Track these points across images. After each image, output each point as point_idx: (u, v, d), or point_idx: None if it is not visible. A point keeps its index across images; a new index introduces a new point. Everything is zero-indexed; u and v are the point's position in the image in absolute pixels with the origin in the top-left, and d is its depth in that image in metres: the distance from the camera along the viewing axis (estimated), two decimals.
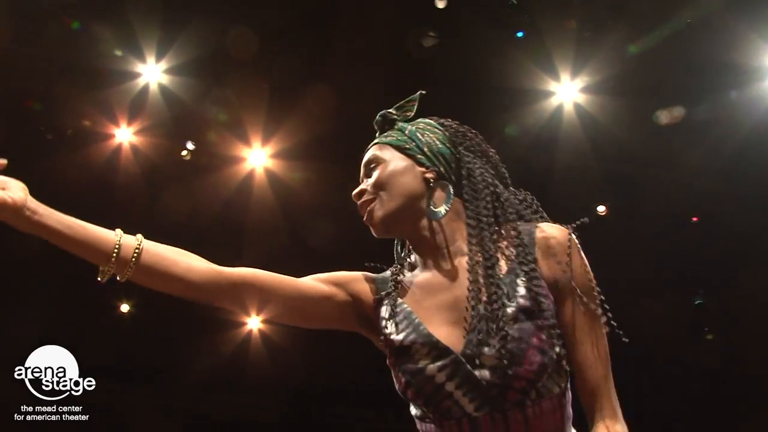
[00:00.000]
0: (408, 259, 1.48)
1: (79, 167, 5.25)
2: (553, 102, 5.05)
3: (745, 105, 4.98)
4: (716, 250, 5.66)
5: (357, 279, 1.45)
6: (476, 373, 1.20)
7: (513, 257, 1.29)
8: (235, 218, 5.70)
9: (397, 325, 1.31)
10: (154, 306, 6.39)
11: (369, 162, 1.44)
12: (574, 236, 1.31)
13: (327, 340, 6.50)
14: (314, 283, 1.40)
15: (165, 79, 4.93)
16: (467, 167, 1.38)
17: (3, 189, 1.10)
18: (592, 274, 1.28)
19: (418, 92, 1.50)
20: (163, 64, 4.85)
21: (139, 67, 4.87)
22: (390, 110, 1.50)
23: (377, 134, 1.51)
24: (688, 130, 5.04)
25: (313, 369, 6.59)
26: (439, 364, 1.22)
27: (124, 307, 6.61)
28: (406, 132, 1.44)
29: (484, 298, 1.23)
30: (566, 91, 5.00)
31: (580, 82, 4.94)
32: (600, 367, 1.24)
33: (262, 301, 1.36)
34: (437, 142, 1.41)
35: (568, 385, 1.27)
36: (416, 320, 1.30)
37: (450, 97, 4.27)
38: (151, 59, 4.82)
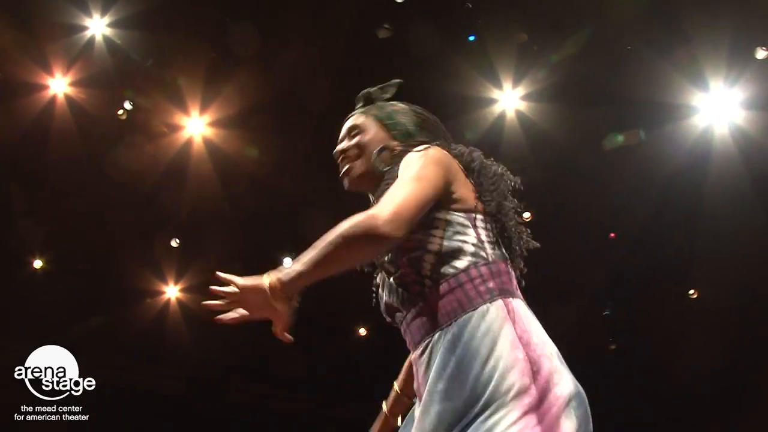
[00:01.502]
0: None
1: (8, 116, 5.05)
2: (496, 109, 5.22)
3: (671, 139, 5.30)
4: (629, 265, 5.98)
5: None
6: (386, 280, 1.52)
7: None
8: (173, 186, 5.60)
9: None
10: (72, 270, 6.23)
11: (353, 128, 1.67)
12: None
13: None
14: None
15: (109, 32, 4.81)
16: None
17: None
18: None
19: (398, 80, 1.74)
20: (107, 19, 4.73)
21: (83, 21, 4.74)
22: (372, 89, 1.73)
23: (357, 106, 1.73)
24: (621, 152, 5.33)
25: (230, 343, 6.56)
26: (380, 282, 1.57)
27: (37, 263, 6.37)
28: (386, 110, 1.67)
29: None
30: (508, 99, 5.18)
31: (522, 90, 5.12)
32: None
33: None
34: (410, 124, 1.65)
35: (454, 283, 1.42)
36: None
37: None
38: (96, 14, 4.70)
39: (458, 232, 1.44)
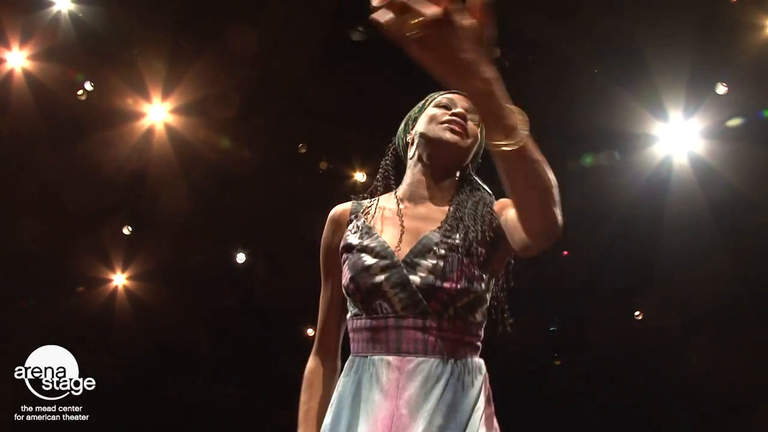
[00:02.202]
0: (392, 189, 1.72)
1: None
2: None
3: (630, 168, 5.43)
4: (577, 283, 6.10)
5: (328, 235, 1.68)
6: (410, 277, 1.42)
7: (478, 213, 1.55)
8: (131, 171, 5.49)
9: (357, 232, 1.56)
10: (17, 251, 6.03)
11: (469, 108, 1.65)
12: None
13: (195, 302, 6.43)
14: (336, 291, 1.64)
15: (74, 8, 4.69)
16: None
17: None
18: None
19: None
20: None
21: None
22: None
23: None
24: (582, 179, 5.44)
25: (177, 331, 6.46)
26: (381, 264, 1.45)
27: None
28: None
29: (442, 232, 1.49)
30: None
31: None
32: None
33: None
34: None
35: (482, 331, 1.50)
36: (375, 232, 1.54)
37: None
38: None
39: None
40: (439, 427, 1.31)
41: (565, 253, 6.07)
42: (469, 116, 1.64)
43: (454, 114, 1.62)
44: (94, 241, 6.07)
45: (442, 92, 1.72)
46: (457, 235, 1.47)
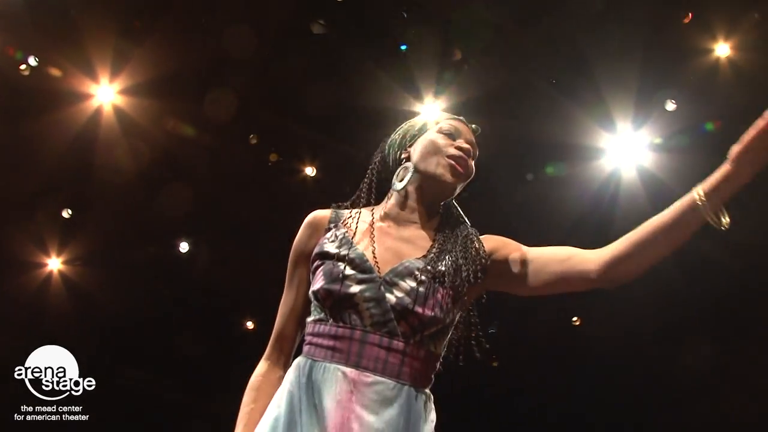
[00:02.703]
0: (374, 205, 1.68)
1: None
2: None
3: (578, 180, 5.51)
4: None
5: (303, 239, 1.64)
6: (386, 295, 1.41)
7: (469, 251, 1.53)
8: (82, 157, 5.29)
9: (335, 241, 1.53)
10: None
11: (473, 142, 1.67)
12: None
13: (133, 289, 6.26)
14: (300, 297, 1.61)
15: None
16: None
17: None
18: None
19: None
20: None
21: None
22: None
23: (471, 126, 1.71)
24: (528, 192, 5.48)
25: (113, 318, 6.28)
26: (360, 277, 1.43)
27: None
28: None
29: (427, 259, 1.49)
30: (430, 112, 5.22)
31: (444, 102, 5.18)
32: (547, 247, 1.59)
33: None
34: None
35: (438, 364, 1.50)
36: (353, 243, 1.51)
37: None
38: None
39: None
40: None
41: None
42: (471, 151, 1.64)
43: (459, 149, 1.60)
44: (29, 224, 5.85)
45: (445, 116, 1.72)
46: (441, 266, 1.46)
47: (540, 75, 4.98)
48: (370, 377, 1.36)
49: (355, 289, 1.42)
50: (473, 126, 1.71)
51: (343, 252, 1.48)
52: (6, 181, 5.39)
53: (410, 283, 1.42)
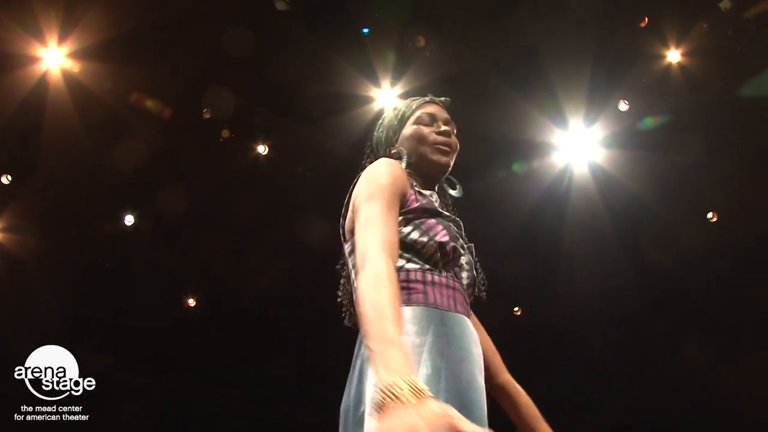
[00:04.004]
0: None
1: None
2: (375, 107, 5.22)
3: (530, 177, 5.60)
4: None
5: (401, 178, 1.64)
6: (476, 264, 1.69)
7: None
8: (27, 122, 5.09)
9: (435, 202, 1.72)
10: None
11: (448, 120, 1.88)
12: None
13: (71, 260, 6.08)
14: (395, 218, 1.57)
15: None
16: None
17: None
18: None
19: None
20: None
21: None
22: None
23: (445, 102, 1.94)
24: (481, 189, 5.52)
25: (48, 289, 6.10)
26: (462, 243, 1.64)
27: None
28: None
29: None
30: (387, 97, 5.22)
31: (400, 88, 5.19)
32: None
33: None
34: None
35: None
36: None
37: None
38: None
39: None
40: None
41: None
42: (451, 128, 1.84)
43: (441, 133, 1.81)
44: None
45: (417, 102, 1.89)
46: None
47: (494, 70, 5.02)
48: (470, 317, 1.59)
49: (464, 251, 1.63)
50: (443, 99, 1.91)
51: (447, 215, 1.66)
52: None
53: (472, 257, 1.69)
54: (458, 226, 1.69)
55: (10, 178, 5.64)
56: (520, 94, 5.06)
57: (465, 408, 1.30)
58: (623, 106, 5.14)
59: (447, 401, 1.22)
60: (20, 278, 6.07)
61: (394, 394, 1.07)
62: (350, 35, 4.91)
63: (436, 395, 1.25)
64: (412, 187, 1.66)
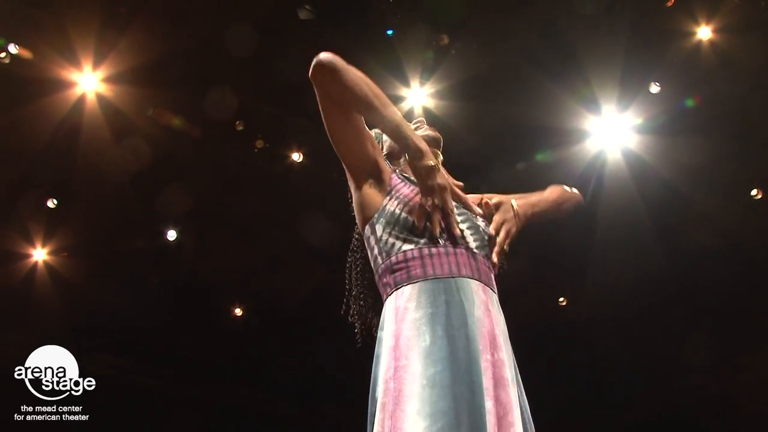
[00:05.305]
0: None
1: None
2: (404, 107, 5.23)
3: (563, 163, 5.53)
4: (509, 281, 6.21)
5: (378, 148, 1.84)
6: (478, 224, 1.70)
7: None
8: (65, 146, 5.23)
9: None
10: None
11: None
12: None
13: (120, 279, 6.23)
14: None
15: None
16: None
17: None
18: None
19: None
20: None
21: None
22: None
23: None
24: (514, 176, 5.49)
25: (100, 309, 6.26)
26: (456, 211, 1.64)
27: None
28: None
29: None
30: (417, 96, 5.23)
31: (430, 87, 5.18)
32: None
33: None
34: None
35: None
36: None
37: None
38: None
39: None
40: (511, 353, 1.55)
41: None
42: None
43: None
44: (12, 215, 5.79)
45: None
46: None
47: (525, 59, 4.98)
48: (488, 289, 1.59)
49: (459, 218, 1.66)
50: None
51: None
52: None
53: (484, 220, 1.78)
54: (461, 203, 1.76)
55: (56, 201, 5.80)
56: (552, 81, 5.01)
57: (463, 372, 1.36)
58: (654, 88, 5.06)
59: (445, 369, 1.35)
60: (71, 298, 6.25)
61: (431, 162, 1.55)
62: (377, 37, 4.93)
63: (435, 364, 1.36)
64: (395, 172, 1.79)
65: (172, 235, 6.23)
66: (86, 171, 5.43)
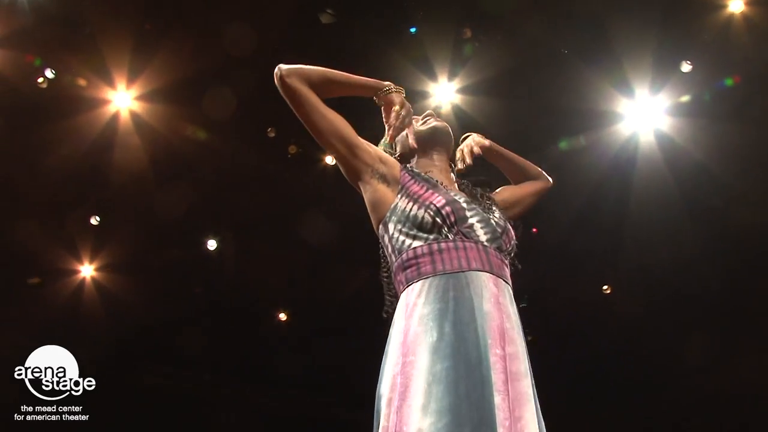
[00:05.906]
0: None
1: None
2: (431, 103, 5.22)
3: (596, 146, 5.46)
4: (545, 262, 6.18)
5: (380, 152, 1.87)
6: (489, 217, 1.68)
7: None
8: (101, 161, 5.38)
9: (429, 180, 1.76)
10: None
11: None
12: None
13: (165, 291, 6.36)
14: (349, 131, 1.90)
15: None
16: None
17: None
18: None
19: None
20: None
21: None
22: None
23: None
24: (546, 159, 5.42)
25: (148, 321, 6.39)
26: (466, 206, 1.65)
27: None
28: None
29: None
30: (444, 92, 5.21)
31: (457, 83, 5.17)
32: None
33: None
34: None
35: None
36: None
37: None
38: None
39: None
40: (525, 347, 1.53)
41: (534, 230, 6.14)
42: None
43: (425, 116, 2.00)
44: (60, 233, 5.95)
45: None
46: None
47: (556, 43, 4.94)
48: (500, 281, 1.57)
49: (465, 212, 1.65)
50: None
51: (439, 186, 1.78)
52: (34, 191, 5.49)
53: (497, 213, 1.78)
54: (471, 195, 1.79)
55: (98, 218, 5.95)
56: (584, 64, 4.95)
57: (471, 368, 1.36)
58: (686, 66, 4.95)
59: (452, 365, 1.35)
60: (118, 313, 6.39)
61: (394, 88, 1.81)
62: (402, 34, 4.95)
63: (442, 360, 1.36)
64: (404, 168, 1.80)
65: (212, 245, 6.32)
66: (124, 187, 5.55)
